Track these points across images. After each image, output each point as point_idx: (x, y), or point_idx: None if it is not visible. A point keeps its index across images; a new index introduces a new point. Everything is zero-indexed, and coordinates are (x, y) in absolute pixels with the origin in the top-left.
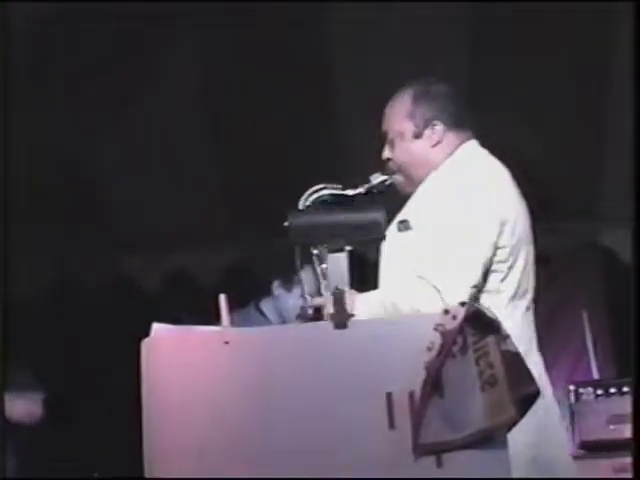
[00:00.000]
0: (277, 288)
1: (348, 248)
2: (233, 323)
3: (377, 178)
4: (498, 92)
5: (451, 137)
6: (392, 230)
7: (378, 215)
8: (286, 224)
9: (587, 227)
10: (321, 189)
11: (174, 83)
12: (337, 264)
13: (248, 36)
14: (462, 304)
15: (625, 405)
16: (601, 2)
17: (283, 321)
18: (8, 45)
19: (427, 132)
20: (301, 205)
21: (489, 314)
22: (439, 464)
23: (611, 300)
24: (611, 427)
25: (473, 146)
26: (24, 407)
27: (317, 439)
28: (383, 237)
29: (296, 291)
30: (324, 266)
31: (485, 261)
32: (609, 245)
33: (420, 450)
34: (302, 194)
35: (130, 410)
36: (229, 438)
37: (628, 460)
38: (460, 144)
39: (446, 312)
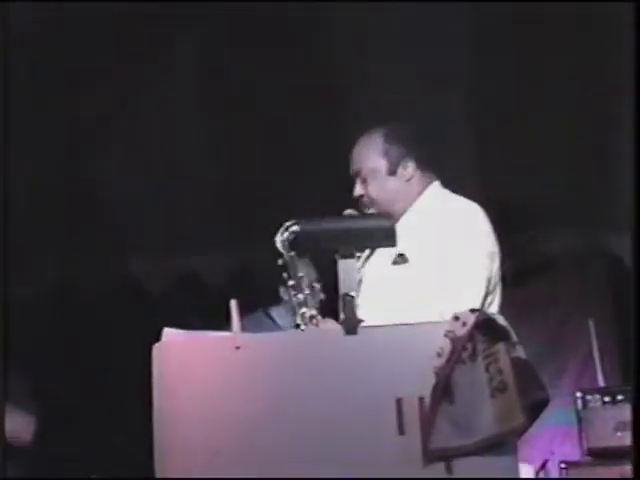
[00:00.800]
0: (284, 293)
1: (358, 254)
2: (243, 329)
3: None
4: (501, 93)
5: (420, 176)
6: (382, 262)
7: (389, 222)
8: (296, 230)
9: (594, 234)
10: (293, 224)
11: (182, 85)
12: (347, 270)
13: (249, 38)
14: (472, 311)
15: None
16: (601, 2)
17: (294, 325)
18: (8, 45)
19: (400, 170)
20: (278, 242)
21: (499, 321)
22: (448, 470)
23: (618, 308)
24: (618, 434)
25: (438, 186)
26: (17, 423)
27: (327, 444)
28: (394, 244)
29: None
30: (300, 297)
31: (484, 293)
32: (616, 252)
33: (430, 456)
34: (311, 196)
35: (136, 413)
36: (240, 442)
37: None
38: (428, 183)
39: (456, 319)
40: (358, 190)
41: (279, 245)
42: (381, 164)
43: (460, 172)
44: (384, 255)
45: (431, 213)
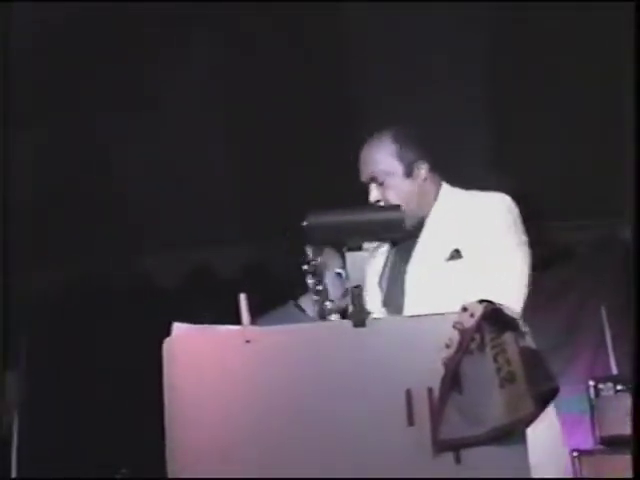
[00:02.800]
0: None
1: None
2: (274, 322)
3: None
4: (518, 92)
5: (433, 176)
6: (434, 257)
7: (397, 214)
8: (304, 224)
9: (607, 223)
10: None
11: (191, 83)
12: (356, 263)
13: (265, 37)
14: (480, 302)
15: None
16: (602, 2)
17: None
18: (15, 45)
19: (415, 171)
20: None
21: (507, 311)
22: (458, 460)
23: (631, 295)
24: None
25: (449, 186)
26: None
27: (336, 436)
28: (402, 236)
29: (329, 277)
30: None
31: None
32: (629, 241)
33: (439, 446)
34: (321, 192)
35: (149, 409)
36: (250, 435)
37: None
38: (440, 183)
39: (464, 310)
40: (375, 195)
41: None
42: (396, 167)
43: (477, 164)
44: (432, 250)
45: (465, 208)
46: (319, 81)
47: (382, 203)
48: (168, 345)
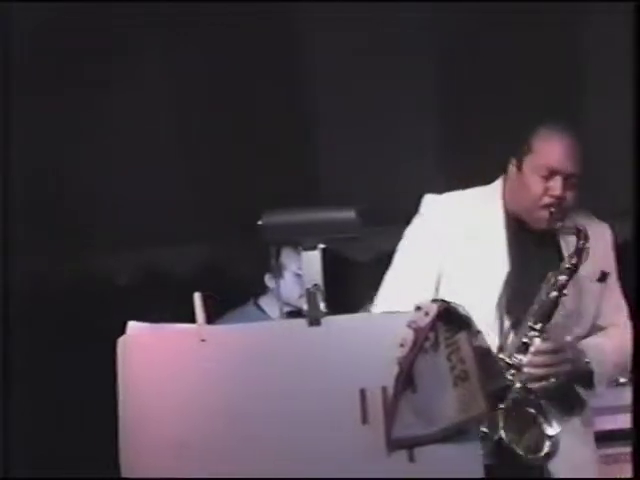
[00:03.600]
0: (269, 280)
1: (321, 246)
2: (234, 321)
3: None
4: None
5: None
6: (586, 278)
7: (351, 213)
8: (260, 223)
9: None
10: None
11: (146, 82)
12: (311, 262)
13: (226, 37)
14: (434, 301)
15: None
16: (601, 2)
17: (285, 312)
18: (9, 44)
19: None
20: None
21: (461, 311)
22: (411, 458)
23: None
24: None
25: None
26: None
27: (291, 435)
28: (357, 235)
29: (288, 277)
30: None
31: None
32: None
33: (393, 445)
34: (280, 187)
35: (105, 409)
36: (206, 435)
37: None
38: None
39: (418, 309)
40: (560, 191)
41: None
42: (580, 174)
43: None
44: (584, 270)
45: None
46: (275, 79)
47: (560, 202)
48: (123, 344)
